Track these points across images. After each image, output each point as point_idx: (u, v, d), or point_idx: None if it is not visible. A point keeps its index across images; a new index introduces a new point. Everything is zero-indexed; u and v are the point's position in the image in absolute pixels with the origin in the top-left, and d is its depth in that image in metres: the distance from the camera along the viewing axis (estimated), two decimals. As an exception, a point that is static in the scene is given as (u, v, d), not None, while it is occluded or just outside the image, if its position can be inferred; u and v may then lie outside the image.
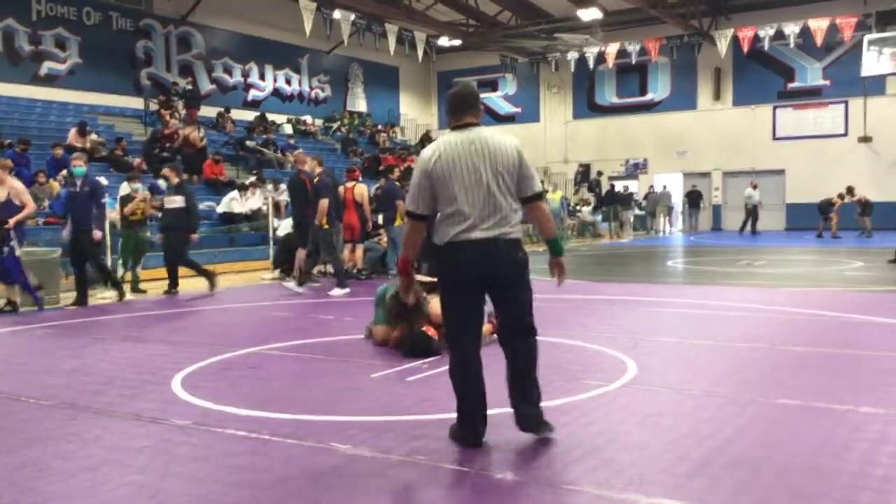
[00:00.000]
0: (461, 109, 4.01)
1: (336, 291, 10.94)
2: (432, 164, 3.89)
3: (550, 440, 3.99)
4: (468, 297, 3.95)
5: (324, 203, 10.96)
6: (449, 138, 3.96)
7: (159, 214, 15.13)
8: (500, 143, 3.93)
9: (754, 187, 25.16)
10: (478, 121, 4.03)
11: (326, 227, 11.08)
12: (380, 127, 29.08)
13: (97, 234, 10.26)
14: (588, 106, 30.64)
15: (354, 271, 12.85)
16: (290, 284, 11.77)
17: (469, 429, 3.96)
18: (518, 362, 4.01)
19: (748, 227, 24.99)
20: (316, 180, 11.36)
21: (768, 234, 24.33)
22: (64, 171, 15.21)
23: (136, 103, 22.07)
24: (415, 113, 32.71)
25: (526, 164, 3.96)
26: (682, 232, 28.43)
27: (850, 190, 22.16)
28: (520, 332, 4.01)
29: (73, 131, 17.52)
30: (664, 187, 28.87)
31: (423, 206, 3.96)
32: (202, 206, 17.00)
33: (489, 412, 3.99)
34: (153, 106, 21.83)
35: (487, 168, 3.86)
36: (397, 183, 14.37)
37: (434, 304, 6.76)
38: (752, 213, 24.95)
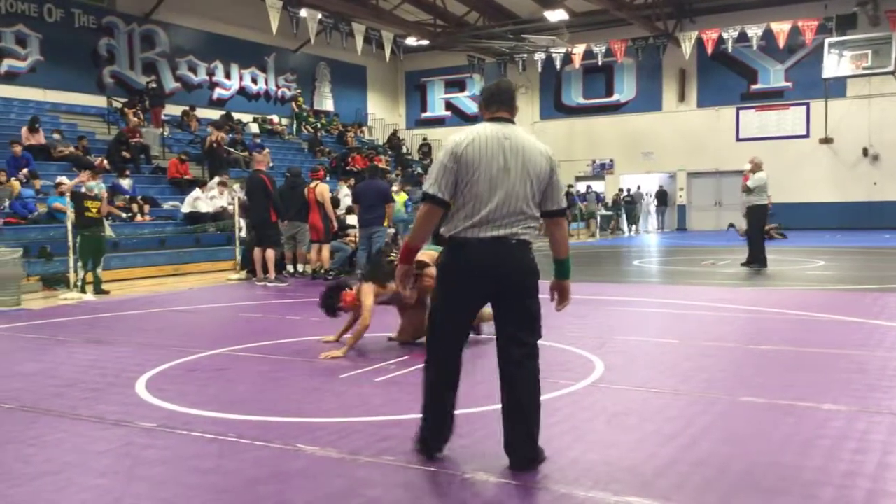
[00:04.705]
0: (494, 103, 3.78)
1: None
2: (464, 147, 3.59)
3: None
4: (465, 299, 3.67)
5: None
6: (484, 127, 3.69)
7: (124, 215, 14.99)
8: (533, 147, 3.69)
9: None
10: (512, 118, 3.79)
11: None
12: (341, 126, 28.77)
13: None
14: (555, 106, 30.81)
15: (322, 272, 12.79)
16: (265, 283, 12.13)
17: (434, 436, 3.77)
18: (519, 390, 3.61)
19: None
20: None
21: (731, 234, 24.53)
22: (25, 170, 14.98)
23: (99, 102, 21.73)
24: (382, 113, 32.61)
25: (557, 175, 3.74)
26: (648, 232, 28.65)
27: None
28: (524, 351, 3.62)
29: (24, 129, 17.18)
30: (638, 187, 29.03)
31: (447, 190, 3.59)
32: (166, 205, 16.91)
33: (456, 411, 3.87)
34: (116, 104, 21.52)
35: (518, 168, 3.60)
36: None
37: None
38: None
